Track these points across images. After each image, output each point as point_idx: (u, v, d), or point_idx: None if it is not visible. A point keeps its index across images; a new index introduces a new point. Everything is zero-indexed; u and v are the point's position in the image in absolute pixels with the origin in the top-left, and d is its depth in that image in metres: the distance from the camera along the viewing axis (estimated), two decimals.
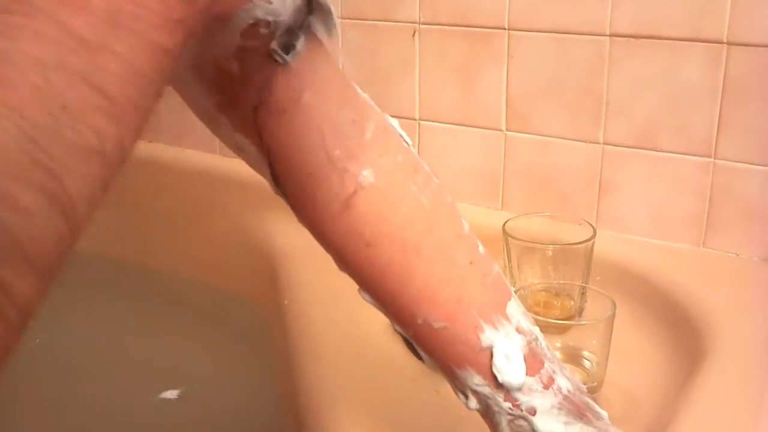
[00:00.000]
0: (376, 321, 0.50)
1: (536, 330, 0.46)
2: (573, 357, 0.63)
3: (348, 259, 0.46)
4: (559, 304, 0.71)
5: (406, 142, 0.47)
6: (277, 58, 0.41)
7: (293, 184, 0.45)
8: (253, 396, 0.87)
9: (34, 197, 0.23)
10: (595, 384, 0.62)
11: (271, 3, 0.41)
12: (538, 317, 0.62)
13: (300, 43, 0.41)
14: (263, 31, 0.40)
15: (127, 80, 0.26)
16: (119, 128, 0.26)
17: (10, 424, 0.86)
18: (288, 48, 0.41)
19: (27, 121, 0.23)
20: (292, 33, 0.41)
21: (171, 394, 0.91)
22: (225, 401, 0.89)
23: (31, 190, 0.23)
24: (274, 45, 0.40)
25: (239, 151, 0.46)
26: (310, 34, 0.42)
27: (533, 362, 0.44)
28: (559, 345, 0.63)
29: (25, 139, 0.23)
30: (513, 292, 0.47)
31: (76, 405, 0.90)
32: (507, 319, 0.45)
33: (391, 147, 0.46)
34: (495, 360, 0.43)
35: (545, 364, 0.45)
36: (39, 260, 0.24)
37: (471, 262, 0.45)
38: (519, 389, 0.43)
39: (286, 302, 0.81)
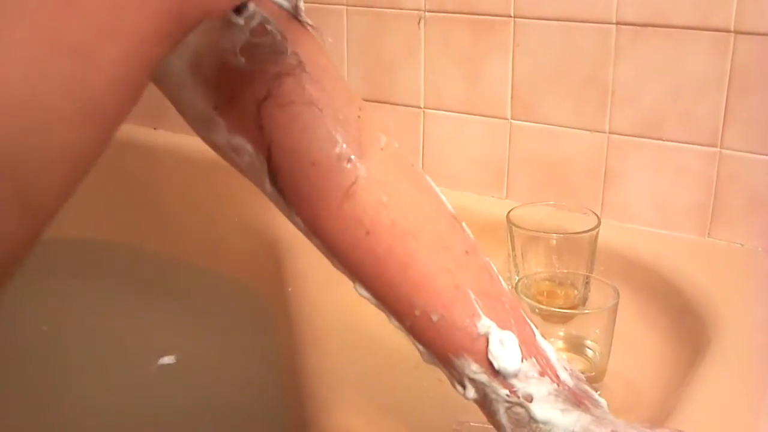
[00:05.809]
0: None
1: (530, 319, 0.47)
2: (576, 346, 0.63)
3: (347, 251, 0.46)
4: (562, 293, 0.71)
5: None
6: (233, 20, 0.41)
7: (295, 177, 0.45)
8: (256, 382, 0.88)
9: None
10: (597, 374, 0.62)
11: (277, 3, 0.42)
12: (542, 306, 0.62)
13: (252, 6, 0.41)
14: (270, 28, 0.42)
15: None
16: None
17: (13, 402, 0.87)
18: (240, 9, 0.40)
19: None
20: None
21: (174, 380, 0.91)
22: (228, 388, 0.89)
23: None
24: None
25: (233, 153, 0.47)
26: (299, 24, 0.44)
27: (529, 349, 0.44)
28: (562, 334, 0.63)
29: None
30: (502, 281, 0.48)
31: (82, 397, 0.90)
32: (502, 306, 0.45)
33: (389, 136, 0.47)
34: (490, 346, 0.43)
35: (540, 351, 0.45)
36: None
37: (466, 251, 0.46)
38: (515, 375, 0.43)
39: (290, 289, 0.81)
